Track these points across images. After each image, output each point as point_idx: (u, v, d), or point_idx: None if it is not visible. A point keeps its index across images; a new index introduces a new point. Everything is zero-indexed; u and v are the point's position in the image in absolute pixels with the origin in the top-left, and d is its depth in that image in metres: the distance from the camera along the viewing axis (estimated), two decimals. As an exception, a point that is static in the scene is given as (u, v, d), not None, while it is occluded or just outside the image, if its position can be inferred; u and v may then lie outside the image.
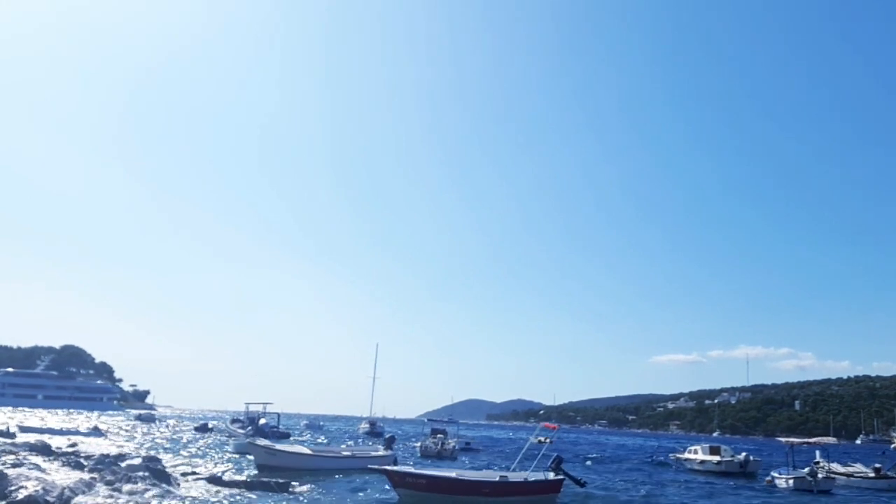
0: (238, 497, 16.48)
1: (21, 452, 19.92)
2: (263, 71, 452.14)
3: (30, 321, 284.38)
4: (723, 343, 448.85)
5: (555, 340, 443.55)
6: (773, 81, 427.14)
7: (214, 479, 18.63)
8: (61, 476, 15.17)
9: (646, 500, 21.70)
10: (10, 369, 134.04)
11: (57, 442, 29.65)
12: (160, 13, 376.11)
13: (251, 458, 26.46)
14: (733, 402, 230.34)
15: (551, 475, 19.60)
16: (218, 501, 15.61)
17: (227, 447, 36.26)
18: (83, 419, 66.46)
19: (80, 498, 12.61)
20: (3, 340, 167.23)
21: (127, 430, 53.69)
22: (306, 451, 27.46)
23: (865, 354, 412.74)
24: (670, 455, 45.04)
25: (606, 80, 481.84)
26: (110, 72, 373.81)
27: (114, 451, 28.49)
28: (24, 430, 41.30)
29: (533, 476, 19.62)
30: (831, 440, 34.88)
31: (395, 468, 19.06)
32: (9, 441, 26.36)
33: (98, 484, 13.28)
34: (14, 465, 16.30)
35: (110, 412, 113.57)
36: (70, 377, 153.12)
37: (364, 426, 76.09)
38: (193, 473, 19.59)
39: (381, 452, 28.17)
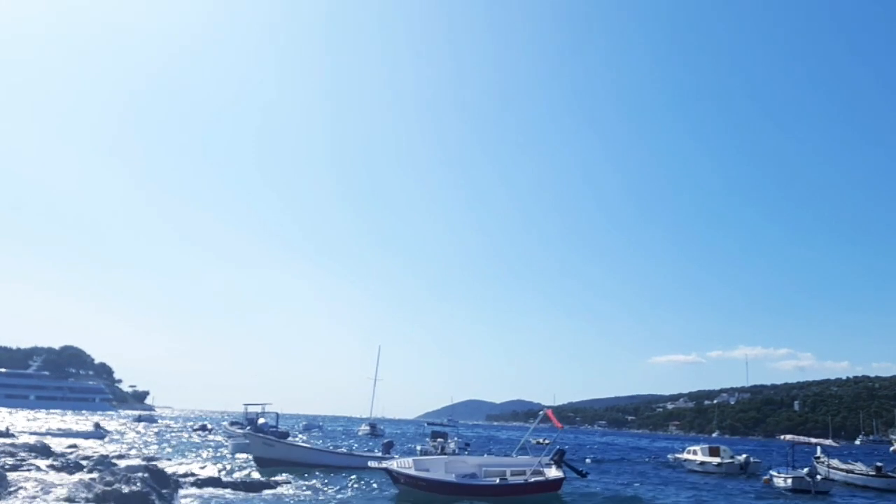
0: (238, 497, 16.50)
1: (20, 453, 19.94)
2: (262, 71, 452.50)
3: (29, 322, 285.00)
4: (722, 343, 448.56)
5: (555, 340, 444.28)
6: (773, 81, 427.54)
7: (213, 481, 18.65)
8: (60, 477, 15.20)
9: (645, 499, 21.71)
10: (2, 369, 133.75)
11: (57, 443, 29.67)
12: (159, 14, 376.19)
13: (250, 458, 26.51)
14: (732, 402, 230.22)
15: (553, 468, 19.58)
16: (218, 502, 15.65)
17: (225, 448, 36.29)
18: (73, 420, 66.35)
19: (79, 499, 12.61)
20: (2, 341, 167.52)
21: (125, 432, 53.68)
22: (304, 444, 27.53)
23: (865, 355, 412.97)
24: (669, 455, 45.08)
25: (606, 80, 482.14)
26: (110, 72, 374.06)
27: (113, 452, 28.54)
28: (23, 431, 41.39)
29: (534, 473, 19.60)
30: (829, 442, 34.78)
31: (397, 468, 19.14)
32: (8, 442, 26.37)
33: (97, 485, 13.28)
34: (13, 467, 16.33)
35: (99, 412, 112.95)
36: (62, 378, 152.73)
37: (364, 428, 75.75)
38: (192, 475, 19.60)
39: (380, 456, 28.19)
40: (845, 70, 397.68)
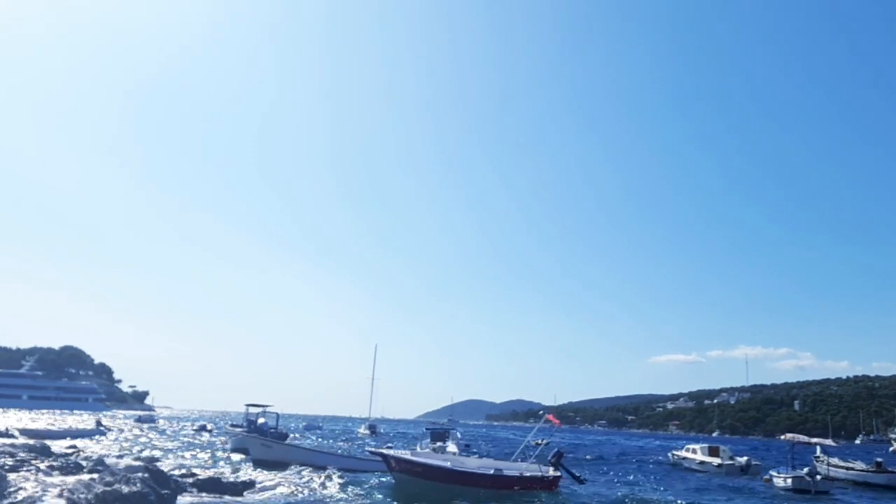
0: (236, 499, 16.49)
1: (20, 454, 19.91)
2: (262, 71, 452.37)
3: (29, 322, 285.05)
4: (722, 343, 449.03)
5: (555, 340, 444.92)
6: (773, 81, 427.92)
7: (213, 481, 18.62)
8: (60, 478, 15.18)
9: (645, 500, 21.70)
10: None
11: (56, 443, 29.64)
12: (158, 14, 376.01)
13: (249, 457, 26.51)
14: (732, 402, 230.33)
15: (550, 469, 19.60)
16: (217, 502, 15.64)
17: (226, 447, 36.26)
18: (73, 420, 66.35)
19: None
20: (2, 342, 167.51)
21: (123, 430, 53.66)
22: (301, 445, 27.57)
23: (865, 354, 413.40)
24: (669, 454, 45.02)
25: (606, 81, 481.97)
26: (109, 72, 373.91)
27: (113, 452, 28.53)
28: (24, 432, 41.40)
29: (529, 470, 19.63)
30: (829, 442, 34.79)
31: (393, 453, 19.22)
32: (8, 442, 26.33)
33: (97, 485, 13.26)
34: (13, 467, 16.32)
35: (89, 412, 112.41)
36: (59, 378, 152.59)
37: (364, 431, 75.08)
38: (192, 475, 19.58)
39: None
40: (845, 70, 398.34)
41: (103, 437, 43.14)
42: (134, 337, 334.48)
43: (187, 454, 31.72)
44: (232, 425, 58.01)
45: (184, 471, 20.73)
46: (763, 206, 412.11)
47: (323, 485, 20.29)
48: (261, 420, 49.93)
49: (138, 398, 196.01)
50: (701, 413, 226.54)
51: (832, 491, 26.71)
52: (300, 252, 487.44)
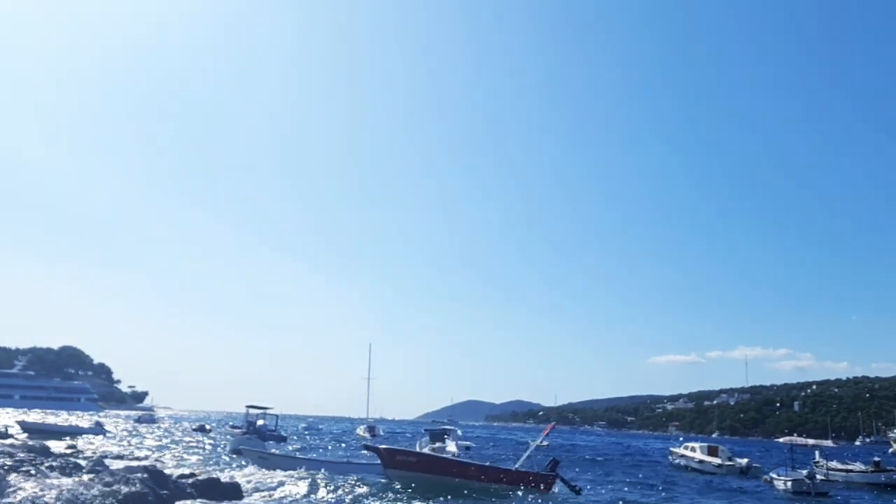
0: (235, 501, 16.48)
1: (19, 454, 19.90)
2: (262, 71, 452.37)
3: (29, 322, 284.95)
4: (722, 344, 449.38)
5: (555, 341, 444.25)
6: (773, 81, 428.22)
7: (211, 483, 18.60)
8: (60, 478, 15.17)
9: (646, 501, 21.71)
10: None
11: (56, 443, 29.65)
12: (158, 14, 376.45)
13: (248, 459, 26.49)
14: (732, 403, 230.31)
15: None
16: (217, 502, 15.64)
17: (225, 448, 36.27)
18: (72, 420, 66.33)
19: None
20: (1, 342, 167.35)
21: (122, 430, 53.66)
22: (299, 455, 27.67)
23: (864, 355, 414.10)
24: (669, 452, 44.98)
25: (613, 78, 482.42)
26: (109, 72, 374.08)
27: (112, 452, 28.54)
28: (23, 426, 41.49)
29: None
30: (828, 443, 34.81)
31: (387, 446, 19.23)
32: (6, 442, 26.33)
33: (96, 485, 13.26)
34: (12, 468, 16.30)
35: (79, 412, 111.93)
36: (57, 378, 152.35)
37: (363, 433, 74.31)
38: (192, 475, 19.57)
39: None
40: (848, 70, 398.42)
41: (102, 437, 43.13)
42: (134, 337, 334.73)
43: (186, 455, 31.73)
44: (232, 426, 58.04)
45: (183, 471, 20.72)
46: (763, 207, 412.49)
47: (319, 488, 20.28)
48: (260, 422, 49.91)
49: (138, 398, 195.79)
50: (700, 414, 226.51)
51: (831, 492, 26.76)
52: (300, 252, 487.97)
